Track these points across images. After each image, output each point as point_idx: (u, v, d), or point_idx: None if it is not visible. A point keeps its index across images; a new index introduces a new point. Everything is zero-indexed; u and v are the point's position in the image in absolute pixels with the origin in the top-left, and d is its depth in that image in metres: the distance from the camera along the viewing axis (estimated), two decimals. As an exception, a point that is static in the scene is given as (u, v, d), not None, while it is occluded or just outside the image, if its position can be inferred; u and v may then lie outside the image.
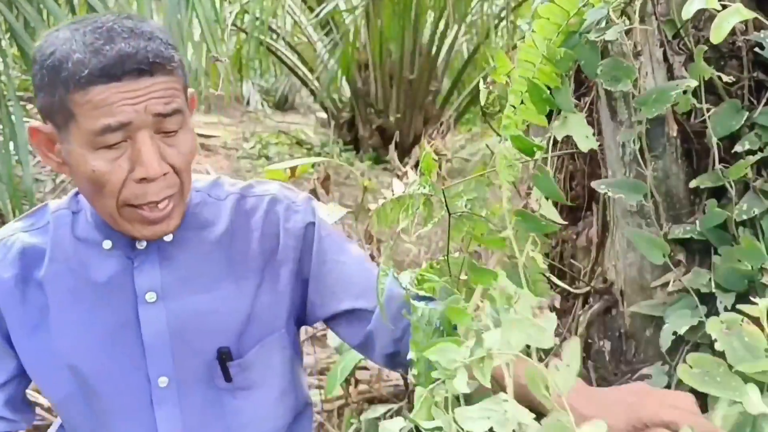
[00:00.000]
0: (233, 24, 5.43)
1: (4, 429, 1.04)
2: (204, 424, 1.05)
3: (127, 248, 1.01)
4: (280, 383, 1.09)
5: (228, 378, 1.04)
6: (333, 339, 1.76)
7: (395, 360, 1.08)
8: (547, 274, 1.10)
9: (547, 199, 0.92)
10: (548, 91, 0.90)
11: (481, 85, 1.06)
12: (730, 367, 0.78)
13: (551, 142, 0.93)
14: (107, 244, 1.01)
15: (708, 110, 0.91)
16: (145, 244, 1.01)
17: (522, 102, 0.91)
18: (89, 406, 1.03)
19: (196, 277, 1.03)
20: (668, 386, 0.86)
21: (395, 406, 1.79)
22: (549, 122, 0.93)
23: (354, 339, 1.10)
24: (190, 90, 1.00)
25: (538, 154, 0.92)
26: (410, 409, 1.09)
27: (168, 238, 1.02)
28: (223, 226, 1.06)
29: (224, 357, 1.03)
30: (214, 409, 1.05)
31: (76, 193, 1.05)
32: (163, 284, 1.01)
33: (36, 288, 1.01)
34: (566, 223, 1.14)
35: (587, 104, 1.05)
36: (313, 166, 3.36)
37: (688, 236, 0.92)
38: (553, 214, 0.91)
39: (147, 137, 0.90)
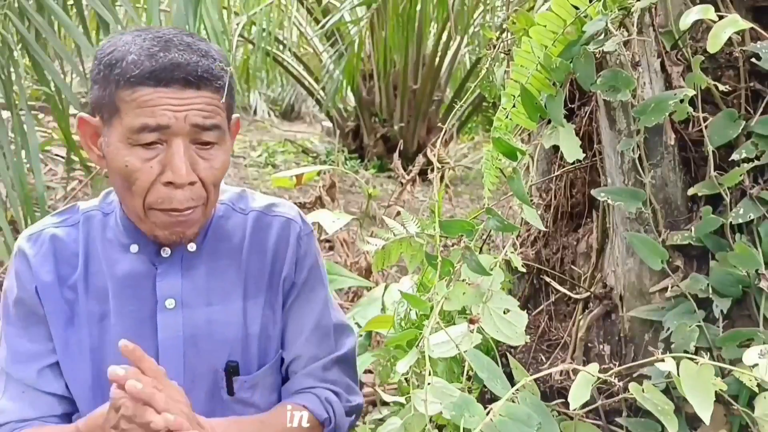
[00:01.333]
0: (240, 35, 5.47)
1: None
2: None
3: (152, 254, 1.05)
4: (272, 401, 1.14)
5: (231, 392, 1.08)
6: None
7: None
8: (548, 279, 1.12)
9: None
10: (541, 99, 0.91)
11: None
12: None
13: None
14: (134, 247, 1.05)
15: (705, 119, 0.93)
16: (169, 251, 1.04)
17: (514, 106, 0.92)
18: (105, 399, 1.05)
19: (213, 289, 1.07)
20: (666, 388, 0.87)
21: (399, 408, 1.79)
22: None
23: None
24: (235, 115, 1.03)
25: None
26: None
27: (192, 248, 1.05)
28: (242, 240, 1.09)
29: (231, 371, 1.07)
30: (214, 417, 1.07)
31: (107, 194, 1.09)
32: (183, 293, 1.04)
33: (70, 286, 1.05)
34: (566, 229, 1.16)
35: (587, 113, 1.07)
36: (318, 173, 3.39)
37: (685, 242, 0.93)
38: (533, 218, 0.93)
39: (181, 144, 0.93)
